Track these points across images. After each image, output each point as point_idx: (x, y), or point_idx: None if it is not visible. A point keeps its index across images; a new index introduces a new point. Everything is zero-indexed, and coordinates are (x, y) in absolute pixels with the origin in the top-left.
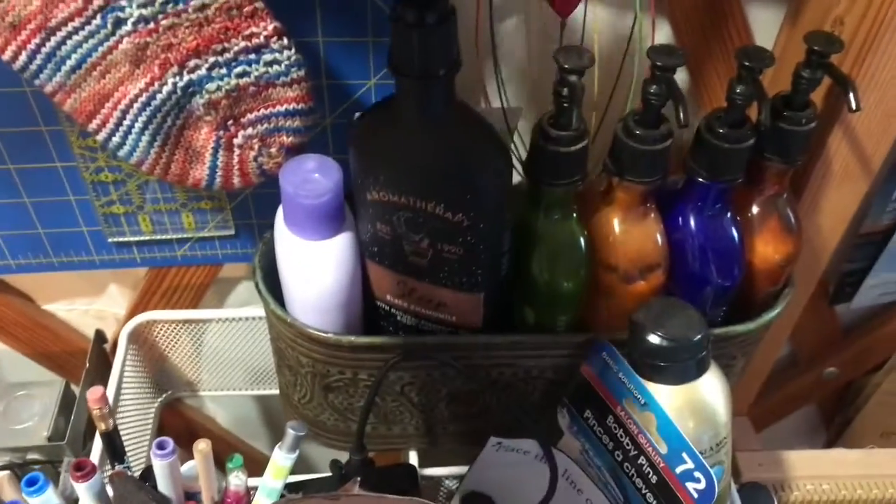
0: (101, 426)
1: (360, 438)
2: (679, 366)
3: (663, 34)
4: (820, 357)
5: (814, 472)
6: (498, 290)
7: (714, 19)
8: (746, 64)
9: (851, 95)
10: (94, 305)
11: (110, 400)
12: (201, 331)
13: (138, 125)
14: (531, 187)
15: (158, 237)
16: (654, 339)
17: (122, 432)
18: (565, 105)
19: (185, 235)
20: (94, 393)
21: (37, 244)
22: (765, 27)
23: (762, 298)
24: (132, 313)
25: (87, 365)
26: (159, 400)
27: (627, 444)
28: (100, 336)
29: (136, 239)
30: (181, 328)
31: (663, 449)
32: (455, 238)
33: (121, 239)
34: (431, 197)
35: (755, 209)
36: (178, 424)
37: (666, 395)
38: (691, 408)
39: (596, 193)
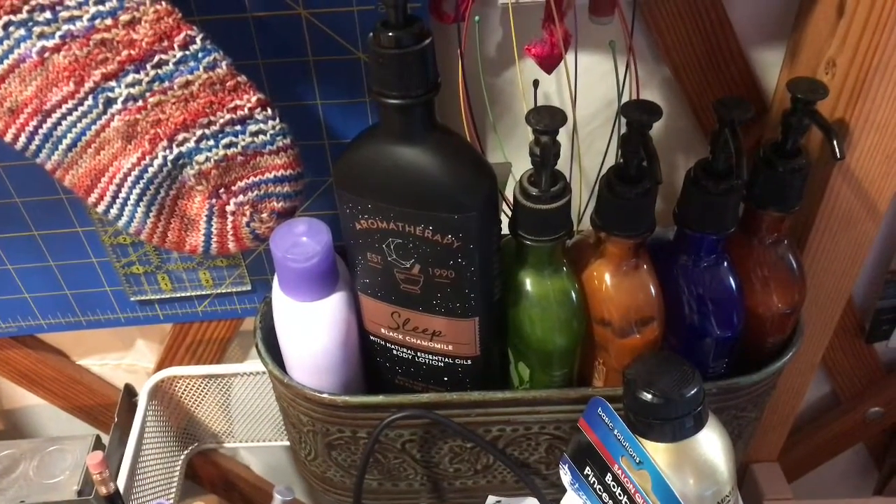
0: (102, 490)
1: (357, 498)
2: (674, 422)
3: (662, 80)
4: (862, 397)
5: None
6: (492, 315)
7: (713, 64)
8: (726, 116)
9: (835, 143)
10: (124, 360)
11: (130, 454)
12: (226, 384)
13: (133, 197)
14: (517, 244)
15: (178, 294)
16: (646, 395)
17: (145, 483)
18: (540, 165)
19: (203, 292)
20: (93, 458)
21: (65, 304)
22: (768, 70)
23: (771, 347)
24: (159, 367)
25: (116, 419)
26: (185, 452)
27: (626, 503)
28: (129, 390)
29: (157, 297)
30: (204, 382)
31: None
32: (446, 261)
33: (142, 297)
34: (420, 220)
35: (754, 258)
36: (213, 474)
37: (661, 453)
38: (690, 465)
39: (587, 248)
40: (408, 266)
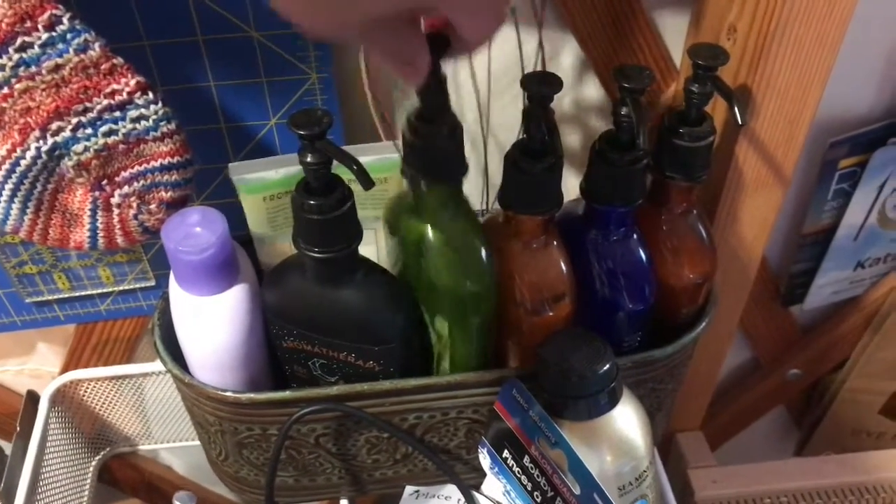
0: None
1: (269, 497)
2: (588, 399)
3: (572, 49)
4: (781, 359)
5: (770, 486)
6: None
7: (620, 32)
8: (625, 85)
9: (736, 110)
10: (26, 365)
11: (31, 464)
12: (138, 384)
13: (6, 192)
14: (415, 195)
15: (78, 294)
16: (558, 373)
17: (52, 492)
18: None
19: (105, 290)
20: None
21: None
22: (675, 38)
23: (685, 318)
24: (64, 370)
25: (18, 428)
26: (97, 458)
27: (544, 485)
28: (31, 397)
29: (56, 297)
30: (113, 384)
31: (577, 489)
32: (368, 377)
33: (39, 298)
34: (343, 349)
35: (664, 228)
36: (133, 477)
37: (578, 432)
38: (607, 442)
39: (497, 226)
40: (332, 380)
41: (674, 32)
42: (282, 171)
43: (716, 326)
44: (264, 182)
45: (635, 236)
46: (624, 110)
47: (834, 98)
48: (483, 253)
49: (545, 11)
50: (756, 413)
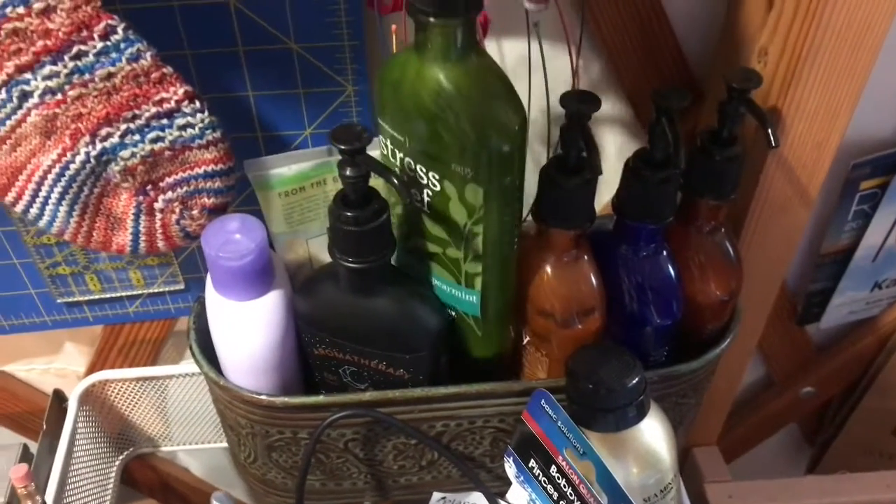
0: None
1: (299, 500)
2: (616, 412)
3: (599, 72)
4: (795, 377)
5: (786, 503)
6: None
7: (649, 52)
8: (661, 105)
9: (770, 131)
10: (53, 364)
11: (60, 463)
12: (162, 386)
13: (54, 196)
14: (420, 39)
15: (108, 295)
16: (588, 386)
17: (78, 492)
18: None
19: (134, 292)
20: (17, 472)
21: None
22: (701, 59)
23: (709, 334)
24: (90, 371)
25: (44, 426)
26: (121, 458)
27: (571, 495)
28: (58, 396)
29: (86, 298)
30: (138, 385)
31: (604, 500)
32: (397, 385)
33: (70, 299)
34: (374, 357)
35: (693, 246)
36: (151, 478)
37: (605, 443)
38: (634, 454)
39: (529, 239)
40: (362, 387)
41: (699, 55)
42: (295, 167)
43: (736, 344)
44: (281, 178)
45: (665, 253)
46: (658, 130)
47: (857, 120)
48: (509, 83)
49: (582, 32)
50: (768, 430)
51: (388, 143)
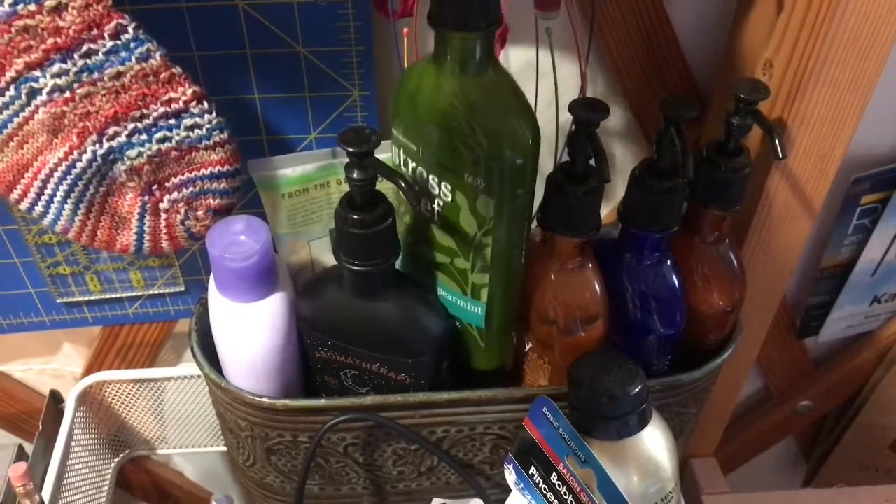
0: (26, 502)
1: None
2: (618, 420)
3: (604, 82)
4: (793, 390)
5: None
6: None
7: (654, 63)
8: (670, 114)
9: (777, 143)
10: (50, 365)
11: (57, 463)
12: (159, 388)
13: (60, 194)
14: (438, 51)
15: (108, 296)
16: (590, 394)
17: (73, 493)
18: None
19: (135, 293)
20: (15, 470)
21: None
22: (706, 70)
23: (711, 344)
24: (87, 372)
25: (41, 427)
26: (116, 460)
27: (571, 503)
28: (55, 396)
29: (86, 298)
30: (136, 387)
31: None
32: (399, 390)
33: (69, 299)
34: (375, 360)
35: (697, 256)
36: (146, 481)
37: (606, 451)
38: (635, 462)
39: (533, 246)
40: (363, 391)
41: (704, 66)
42: (299, 168)
43: (736, 355)
44: (285, 179)
45: (669, 262)
46: (665, 140)
47: (858, 136)
48: (524, 97)
49: (591, 43)
50: (765, 443)
51: (401, 151)
